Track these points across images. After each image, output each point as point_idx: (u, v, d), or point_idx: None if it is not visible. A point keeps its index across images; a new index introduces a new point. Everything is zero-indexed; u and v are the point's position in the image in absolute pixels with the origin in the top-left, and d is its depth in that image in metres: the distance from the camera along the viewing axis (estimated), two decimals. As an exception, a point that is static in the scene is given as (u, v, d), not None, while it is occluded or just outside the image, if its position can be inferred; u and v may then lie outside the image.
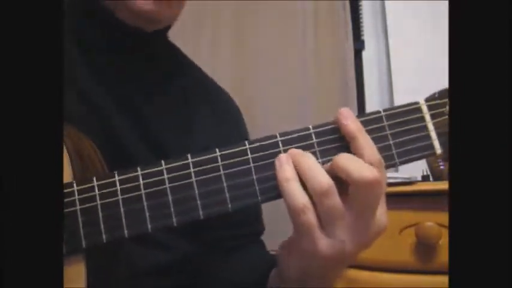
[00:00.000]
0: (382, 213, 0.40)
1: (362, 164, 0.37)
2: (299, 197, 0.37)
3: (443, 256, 0.95)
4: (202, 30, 1.67)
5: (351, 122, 0.39)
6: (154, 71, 0.59)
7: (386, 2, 1.62)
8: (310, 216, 0.37)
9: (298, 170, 0.38)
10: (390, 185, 1.01)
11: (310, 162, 0.38)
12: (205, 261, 0.59)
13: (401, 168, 1.51)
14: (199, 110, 0.61)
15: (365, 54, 1.69)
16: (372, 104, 1.65)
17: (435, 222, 0.96)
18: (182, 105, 0.60)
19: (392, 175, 1.07)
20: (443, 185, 1.00)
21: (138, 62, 0.57)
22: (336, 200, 0.37)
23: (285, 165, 0.39)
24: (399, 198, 1.01)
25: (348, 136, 0.40)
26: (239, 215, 0.59)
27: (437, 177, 1.15)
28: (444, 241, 0.95)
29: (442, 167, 1.13)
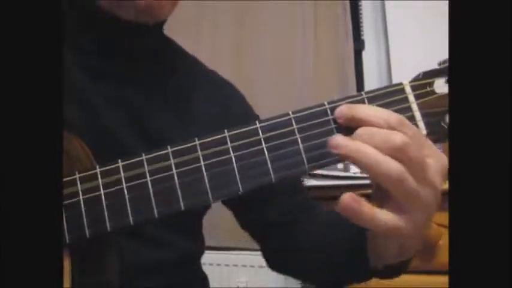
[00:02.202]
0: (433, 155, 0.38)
1: (383, 133, 0.35)
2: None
3: (443, 256, 0.95)
4: (202, 30, 1.68)
5: (345, 113, 0.38)
6: (153, 67, 0.59)
7: (386, 2, 1.62)
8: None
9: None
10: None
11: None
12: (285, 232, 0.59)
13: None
14: (200, 105, 0.61)
15: (365, 54, 1.69)
16: (372, 104, 1.65)
17: (435, 222, 0.96)
18: (182, 102, 0.60)
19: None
20: (443, 185, 0.99)
21: (137, 58, 0.57)
22: (416, 148, 0.36)
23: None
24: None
25: (357, 122, 0.37)
26: (280, 189, 0.60)
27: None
28: (444, 241, 0.95)
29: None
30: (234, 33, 1.68)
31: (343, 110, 0.38)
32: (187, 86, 0.62)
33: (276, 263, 0.65)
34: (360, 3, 1.71)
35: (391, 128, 0.36)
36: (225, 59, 1.65)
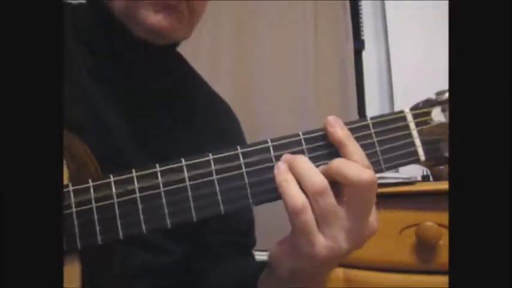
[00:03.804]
0: (373, 214, 0.41)
1: (358, 167, 0.39)
2: (298, 197, 0.38)
3: (443, 256, 0.95)
4: (203, 32, 1.67)
5: (339, 130, 0.41)
6: (159, 79, 0.59)
7: (386, 2, 1.62)
8: (309, 216, 0.38)
9: (293, 172, 0.40)
10: (390, 185, 1.01)
11: (304, 164, 0.40)
12: (195, 266, 0.59)
13: (402, 168, 1.51)
14: (202, 124, 0.62)
15: (365, 54, 1.69)
16: (372, 104, 1.65)
17: (435, 222, 0.96)
18: (185, 120, 0.60)
19: (392, 175, 1.07)
20: (443, 185, 0.99)
21: (144, 75, 0.57)
22: (331, 199, 0.38)
23: (283, 169, 0.40)
24: (399, 198, 1.01)
25: (336, 143, 0.41)
26: (231, 223, 0.60)
27: (437, 177, 1.15)
28: (444, 241, 0.95)
29: (441, 167, 1.13)
30: (234, 33, 1.68)
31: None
32: (191, 102, 0.62)
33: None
34: (360, 3, 1.71)
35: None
36: (225, 59, 1.65)
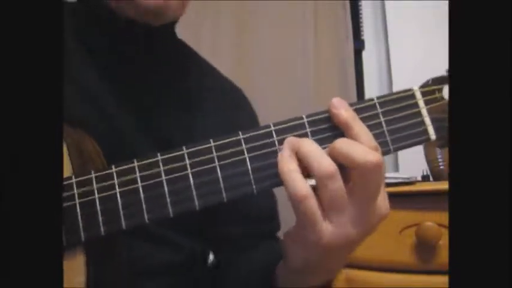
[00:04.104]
0: (383, 198, 0.39)
1: (364, 148, 0.37)
2: (301, 185, 0.37)
3: (443, 256, 0.96)
4: (203, 30, 1.67)
5: (344, 111, 0.39)
6: (162, 68, 0.59)
7: (386, 2, 1.62)
8: (313, 204, 0.37)
9: (299, 156, 0.38)
10: (390, 185, 1.01)
11: (310, 147, 0.38)
12: (213, 260, 0.59)
13: (402, 168, 1.52)
14: (208, 108, 0.61)
15: (365, 54, 1.69)
16: (372, 104, 1.65)
17: (435, 222, 0.96)
18: (190, 104, 0.60)
19: (392, 175, 1.07)
20: (443, 185, 1.00)
21: (146, 60, 0.57)
22: (340, 183, 0.37)
23: (286, 156, 0.38)
24: (399, 198, 1.01)
25: (342, 125, 0.39)
26: (252, 212, 0.60)
27: (437, 177, 1.15)
28: (444, 241, 0.95)
29: (441, 167, 1.13)
30: (234, 33, 1.68)
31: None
32: (197, 90, 0.62)
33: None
34: (360, 3, 1.71)
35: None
36: (226, 59, 1.65)
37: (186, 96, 0.60)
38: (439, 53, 0.95)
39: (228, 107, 0.64)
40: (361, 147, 0.37)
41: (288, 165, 0.38)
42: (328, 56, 1.61)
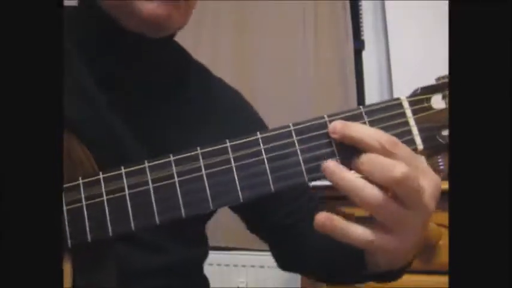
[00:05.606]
0: (428, 195, 0.38)
1: (385, 164, 0.36)
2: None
3: (443, 256, 0.95)
4: (202, 30, 1.67)
5: (338, 130, 0.39)
6: (159, 79, 0.59)
7: (386, 2, 1.62)
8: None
9: (340, 189, 0.37)
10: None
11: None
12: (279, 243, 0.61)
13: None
14: (205, 117, 0.61)
15: (365, 54, 1.69)
16: (372, 104, 1.65)
17: (435, 222, 0.96)
18: (188, 114, 0.60)
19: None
20: (443, 185, 0.99)
21: (143, 70, 0.57)
22: (394, 205, 0.37)
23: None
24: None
25: (350, 143, 0.39)
26: (282, 195, 0.60)
27: (437, 177, 1.14)
28: (444, 241, 0.95)
29: (441, 167, 1.13)
30: (235, 33, 1.68)
31: (337, 127, 0.39)
32: (194, 98, 0.62)
33: (284, 263, 0.66)
34: (360, 3, 1.71)
35: (384, 149, 0.37)
36: (226, 59, 1.65)
37: (183, 105, 0.60)
38: (439, 53, 0.95)
39: (226, 115, 0.64)
40: (382, 164, 0.36)
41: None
42: (328, 56, 1.61)
